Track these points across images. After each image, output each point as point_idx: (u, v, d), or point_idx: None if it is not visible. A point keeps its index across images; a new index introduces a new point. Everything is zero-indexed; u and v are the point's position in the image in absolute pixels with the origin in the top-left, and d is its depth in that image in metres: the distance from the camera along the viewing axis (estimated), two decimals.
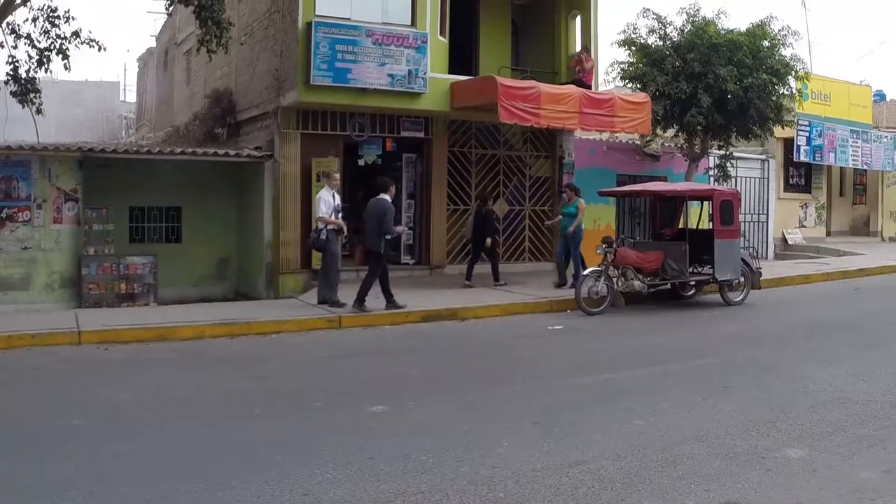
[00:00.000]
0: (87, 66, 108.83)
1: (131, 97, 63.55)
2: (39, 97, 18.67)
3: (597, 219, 26.95)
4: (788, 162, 35.54)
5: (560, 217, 22.52)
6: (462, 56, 25.12)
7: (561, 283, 21.39)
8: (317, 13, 21.08)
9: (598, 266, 19.19)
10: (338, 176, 19.56)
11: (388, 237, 18.26)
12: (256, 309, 18.72)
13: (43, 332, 15.26)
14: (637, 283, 19.35)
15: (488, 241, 22.24)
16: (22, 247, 20.18)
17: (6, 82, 18.74)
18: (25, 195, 20.29)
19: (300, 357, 14.49)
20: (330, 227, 18.41)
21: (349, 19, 21.41)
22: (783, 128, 29.71)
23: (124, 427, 9.65)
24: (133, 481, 7.66)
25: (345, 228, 19.10)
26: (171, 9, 19.55)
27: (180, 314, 17.64)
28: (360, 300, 17.79)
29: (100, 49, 18.84)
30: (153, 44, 49.11)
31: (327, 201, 18.55)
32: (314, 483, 7.56)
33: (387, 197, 18.50)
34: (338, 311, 17.81)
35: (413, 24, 22.36)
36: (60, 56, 18.45)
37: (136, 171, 22.25)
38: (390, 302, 18.06)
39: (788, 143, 34.37)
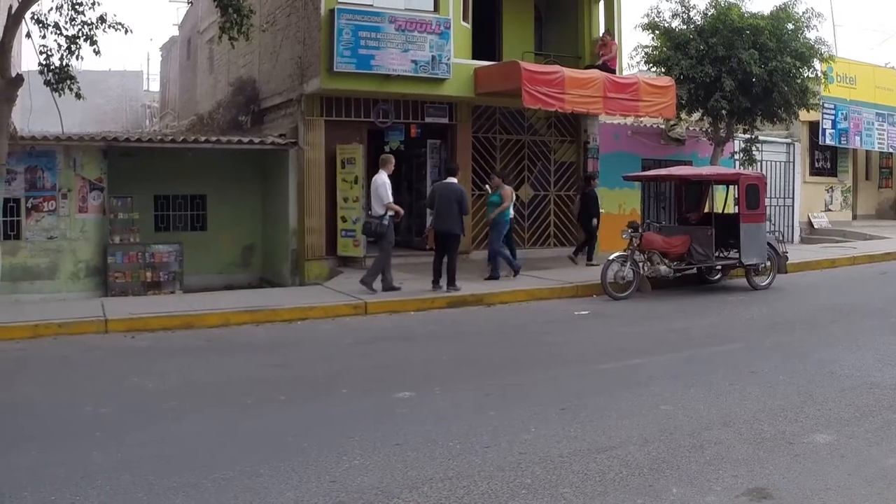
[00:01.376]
0: (110, 55, 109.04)
1: (154, 86, 63.66)
2: (76, 83, 18.70)
3: (622, 203, 26.98)
4: (814, 145, 35.35)
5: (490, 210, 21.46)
6: (485, 41, 25.06)
7: (492, 277, 20.40)
8: (339, 0, 21.05)
9: (624, 251, 19.10)
10: (393, 160, 19.53)
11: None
12: (282, 296, 18.73)
13: (69, 320, 15.30)
14: (663, 268, 19.29)
15: (595, 221, 22.74)
16: (48, 236, 20.27)
17: (40, 72, 18.76)
18: (50, 185, 20.37)
19: (326, 343, 14.48)
20: (390, 212, 18.47)
21: (372, 6, 21.37)
22: (808, 111, 29.57)
23: (151, 415, 9.67)
24: (159, 469, 7.66)
25: (401, 213, 19.26)
26: None
27: (206, 302, 17.67)
28: (451, 283, 18.43)
29: (126, 32, 18.82)
30: (176, 33, 49.19)
31: (389, 186, 18.66)
32: (341, 470, 7.56)
33: (455, 180, 19.04)
34: (392, 294, 18.19)
35: (436, 9, 22.30)
36: (88, 42, 18.47)
37: (160, 160, 22.30)
38: (451, 285, 18.53)
39: (814, 127, 34.20)
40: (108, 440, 8.60)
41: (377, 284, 18.27)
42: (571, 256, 23.53)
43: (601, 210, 23.70)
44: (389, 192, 18.50)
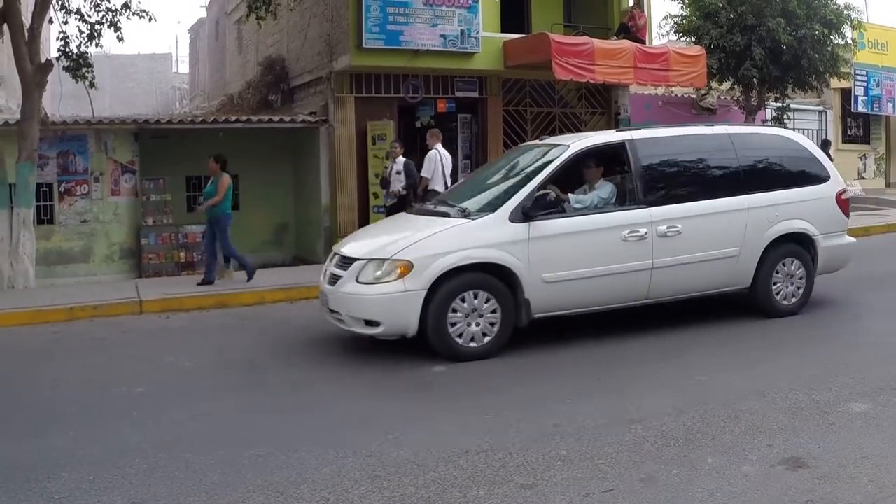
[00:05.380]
0: (138, 39, 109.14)
1: (184, 68, 64.00)
2: (91, 71, 18.80)
3: None
4: (846, 113, 35.16)
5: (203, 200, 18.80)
6: (514, 14, 24.95)
7: (206, 281, 17.59)
8: None
9: None
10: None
11: None
12: (315, 273, 18.68)
13: (104, 302, 15.40)
14: None
15: None
16: (81, 220, 20.38)
17: (58, 58, 18.87)
18: (83, 169, 20.48)
19: None
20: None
21: None
22: (839, 79, 29.36)
23: (187, 394, 9.73)
24: (196, 447, 7.70)
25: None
26: None
27: (239, 281, 17.68)
28: None
29: (150, 19, 18.97)
30: (204, 14, 49.26)
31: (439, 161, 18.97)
32: (376, 445, 7.59)
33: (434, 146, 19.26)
34: None
35: None
36: (112, 29, 18.57)
37: (191, 141, 22.35)
38: None
39: (846, 94, 34.00)
40: (144, 419, 8.67)
41: None
42: None
43: None
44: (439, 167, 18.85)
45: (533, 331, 11.32)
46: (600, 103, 26.26)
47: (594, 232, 11.46)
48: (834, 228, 13.34)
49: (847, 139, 35.82)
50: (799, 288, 12.95)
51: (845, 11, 26.78)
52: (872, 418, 7.93)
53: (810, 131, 32.73)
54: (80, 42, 18.64)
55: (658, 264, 11.65)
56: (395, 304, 10.55)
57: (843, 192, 13.56)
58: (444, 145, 19.47)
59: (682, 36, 27.74)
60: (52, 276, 19.61)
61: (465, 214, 11.44)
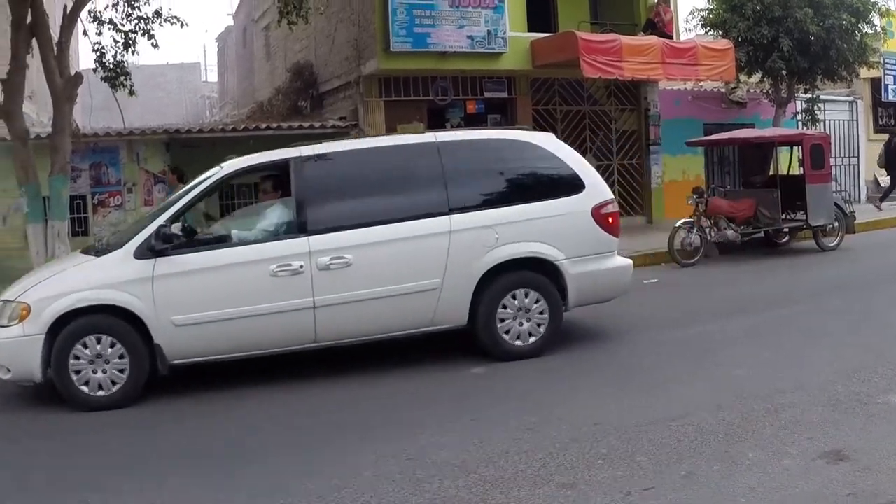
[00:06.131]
0: (167, 49, 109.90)
1: (212, 77, 64.28)
2: (130, 80, 18.93)
3: (686, 169, 26.84)
4: (877, 102, 34.84)
5: None
6: (540, 13, 24.93)
7: None
8: None
9: (690, 217, 18.99)
10: None
11: None
12: None
13: None
14: (730, 233, 19.16)
15: None
16: (115, 230, 20.48)
17: (94, 70, 19.00)
18: (115, 180, 20.61)
19: None
20: None
21: None
22: (868, 69, 29.18)
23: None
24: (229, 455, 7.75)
25: None
26: None
27: None
28: None
29: (182, 25, 19.03)
30: (231, 22, 49.50)
31: None
32: (418, 447, 7.61)
33: None
34: None
35: None
36: (146, 37, 18.69)
37: (223, 150, 22.14)
38: None
39: (876, 83, 33.70)
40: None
41: None
42: (876, 204, 26.30)
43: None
44: None
45: (567, 332, 11.33)
46: (629, 100, 26.28)
47: (235, 267, 10.05)
48: (592, 250, 11.21)
49: (879, 129, 35.43)
50: (539, 325, 10.88)
51: (872, 0, 26.65)
52: None
53: (842, 122, 32.60)
54: (116, 52, 18.76)
55: (323, 302, 10.09)
56: (16, 350, 9.65)
57: (605, 204, 11.38)
58: None
59: (710, 30, 27.63)
60: None
61: (99, 250, 10.66)
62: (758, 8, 25.78)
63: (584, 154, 24.15)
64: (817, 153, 19.79)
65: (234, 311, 9.85)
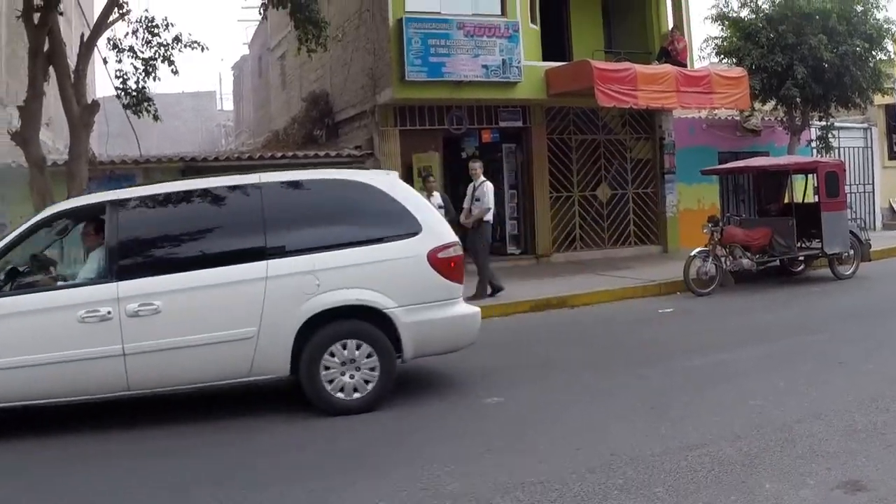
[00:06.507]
0: (182, 77, 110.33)
1: (228, 106, 64.45)
2: (153, 105, 19.01)
3: (700, 198, 26.90)
4: (891, 129, 34.82)
5: None
6: (554, 42, 25.06)
7: None
8: (406, 9, 21.28)
9: (705, 246, 18.98)
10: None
11: None
12: None
13: None
14: (745, 262, 19.15)
15: None
16: None
17: (117, 96, 19.10)
18: None
19: None
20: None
21: (439, 13, 21.57)
22: (882, 95, 29.17)
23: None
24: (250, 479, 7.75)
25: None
26: (265, 12, 19.66)
27: None
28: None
29: (202, 50, 19.12)
30: (247, 51, 49.75)
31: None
32: (432, 477, 7.59)
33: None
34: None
35: (503, 13, 22.45)
36: (166, 63, 18.78)
37: None
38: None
39: (890, 110, 33.73)
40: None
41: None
42: None
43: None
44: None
45: (585, 362, 11.30)
46: (644, 128, 26.36)
47: (45, 312, 9.66)
48: (430, 297, 10.44)
49: (893, 156, 35.47)
50: (367, 381, 10.14)
51: (885, 25, 26.61)
52: None
53: (856, 149, 32.58)
54: (138, 78, 18.85)
55: (133, 350, 9.61)
56: None
57: (444, 248, 10.57)
58: (490, 176, 19.44)
59: (724, 57, 27.68)
60: None
61: None
62: (771, 35, 25.86)
63: (598, 183, 24.49)
64: (832, 181, 19.81)
65: (44, 356, 9.46)
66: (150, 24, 18.65)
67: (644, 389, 10.47)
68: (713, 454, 7.69)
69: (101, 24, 17.41)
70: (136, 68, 18.90)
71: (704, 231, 19.19)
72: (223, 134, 62.75)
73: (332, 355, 9.99)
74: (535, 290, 18.92)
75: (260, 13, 20.78)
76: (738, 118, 28.87)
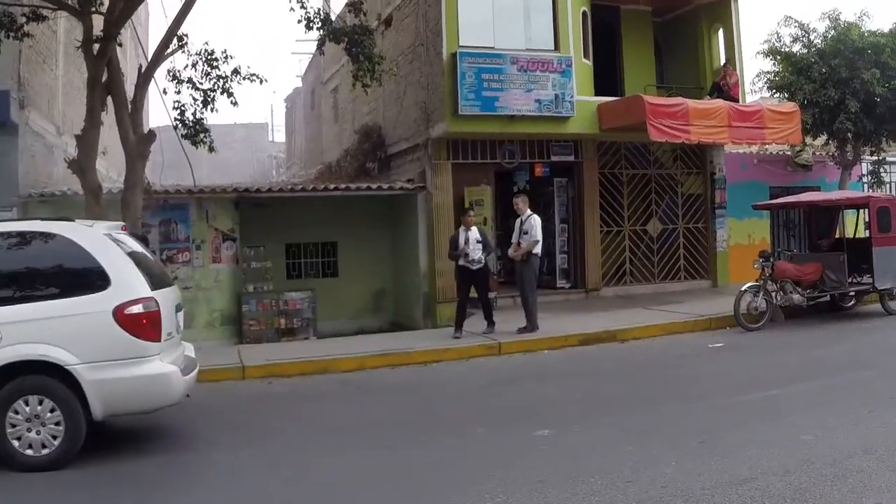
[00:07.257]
0: (234, 109, 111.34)
1: (279, 137, 64.83)
2: (210, 136, 19.22)
3: (751, 233, 26.83)
4: None
5: None
6: (607, 77, 25.14)
7: None
8: (460, 44, 21.36)
9: (756, 281, 18.94)
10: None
11: None
12: (415, 339, 18.84)
13: (207, 368, 15.50)
14: (796, 297, 19.10)
15: None
16: (182, 287, 20.60)
17: (175, 127, 19.32)
18: (184, 237, 20.82)
19: (461, 384, 14.57)
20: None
21: (493, 48, 21.66)
22: None
23: (292, 458, 9.86)
24: None
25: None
26: (322, 48, 19.86)
27: (341, 346, 17.88)
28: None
29: (261, 82, 19.28)
30: (299, 84, 50.04)
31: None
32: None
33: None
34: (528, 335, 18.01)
35: (556, 48, 22.52)
36: (225, 94, 18.97)
37: (290, 209, 22.64)
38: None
39: None
40: (257, 482, 8.81)
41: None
42: None
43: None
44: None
45: (635, 397, 11.30)
46: (695, 163, 26.33)
47: None
48: (116, 355, 9.92)
49: None
50: (55, 436, 9.69)
51: None
52: None
53: None
54: (196, 109, 19.05)
55: None
56: None
57: (133, 303, 10.04)
58: (541, 210, 19.49)
59: (776, 92, 27.62)
60: None
61: None
62: (824, 70, 25.79)
63: (648, 218, 24.47)
64: (884, 216, 19.73)
65: None
66: (209, 57, 18.88)
67: (693, 424, 10.48)
68: (763, 488, 7.71)
69: (160, 56, 17.63)
70: (194, 99, 19.11)
71: (755, 266, 19.14)
72: (274, 165, 63.19)
73: (16, 413, 9.63)
74: (585, 324, 18.94)
75: (318, 49, 20.98)
76: (789, 153, 28.78)
